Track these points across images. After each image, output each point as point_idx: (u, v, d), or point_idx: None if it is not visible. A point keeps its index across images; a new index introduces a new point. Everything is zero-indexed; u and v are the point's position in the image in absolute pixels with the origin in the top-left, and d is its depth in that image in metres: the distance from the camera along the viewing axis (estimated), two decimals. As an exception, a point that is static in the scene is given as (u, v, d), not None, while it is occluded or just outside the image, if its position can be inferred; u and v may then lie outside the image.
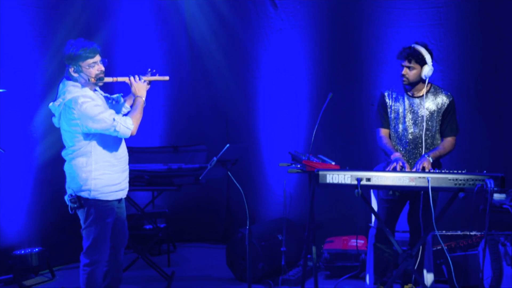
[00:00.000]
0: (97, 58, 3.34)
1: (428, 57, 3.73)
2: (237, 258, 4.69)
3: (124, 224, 3.60)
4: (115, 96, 3.63)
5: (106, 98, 3.54)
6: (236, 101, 5.89)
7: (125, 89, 3.64)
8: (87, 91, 3.34)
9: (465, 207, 4.60)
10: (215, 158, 3.82)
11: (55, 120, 3.40)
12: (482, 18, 4.96)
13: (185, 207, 5.97)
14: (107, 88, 3.67)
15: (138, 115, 3.40)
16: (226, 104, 5.98)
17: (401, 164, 3.62)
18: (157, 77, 3.56)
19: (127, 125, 3.32)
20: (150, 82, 3.52)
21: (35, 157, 4.93)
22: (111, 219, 3.42)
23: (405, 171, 3.54)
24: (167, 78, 3.63)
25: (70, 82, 3.33)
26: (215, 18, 5.85)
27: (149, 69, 3.57)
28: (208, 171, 3.92)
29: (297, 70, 5.56)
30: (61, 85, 3.36)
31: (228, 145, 3.79)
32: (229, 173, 3.92)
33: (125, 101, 3.62)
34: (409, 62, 3.73)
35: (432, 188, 3.32)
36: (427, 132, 3.83)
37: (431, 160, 3.66)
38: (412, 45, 3.78)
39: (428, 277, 4.21)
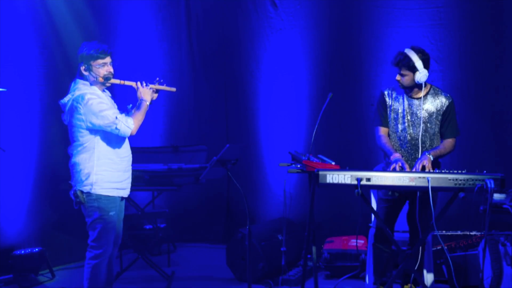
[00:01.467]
0: (108, 59, 3.49)
1: (419, 64, 3.66)
2: (237, 258, 4.69)
3: (120, 224, 3.64)
4: (129, 106, 3.74)
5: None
6: (236, 101, 5.90)
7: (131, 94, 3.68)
8: (96, 89, 3.48)
9: (465, 207, 4.62)
10: (215, 158, 3.83)
11: (64, 117, 3.51)
12: (482, 18, 4.96)
13: (185, 207, 5.98)
14: (112, 91, 3.71)
15: (140, 116, 3.53)
16: (226, 104, 5.99)
17: (400, 164, 3.61)
18: (164, 87, 3.73)
19: (128, 124, 3.44)
20: (157, 91, 3.69)
21: (35, 157, 4.94)
22: (115, 212, 3.50)
23: (405, 171, 3.55)
24: (174, 89, 3.81)
25: (81, 81, 3.48)
26: (215, 18, 5.86)
27: (157, 78, 3.72)
28: (208, 171, 3.92)
29: (297, 70, 5.57)
30: (72, 84, 3.51)
31: (228, 145, 3.80)
32: (229, 173, 3.92)
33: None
34: (400, 69, 3.72)
35: (432, 188, 3.31)
36: (426, 134, 3.81)
37: (431, 158, 3.65)
38: (405, 51, 3.73)
39: (428, 277, 4.20)
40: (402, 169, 3.59)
